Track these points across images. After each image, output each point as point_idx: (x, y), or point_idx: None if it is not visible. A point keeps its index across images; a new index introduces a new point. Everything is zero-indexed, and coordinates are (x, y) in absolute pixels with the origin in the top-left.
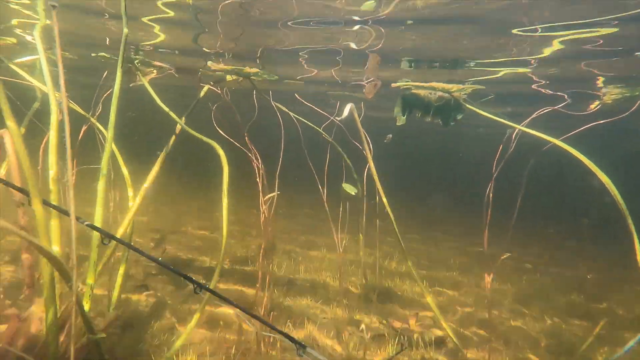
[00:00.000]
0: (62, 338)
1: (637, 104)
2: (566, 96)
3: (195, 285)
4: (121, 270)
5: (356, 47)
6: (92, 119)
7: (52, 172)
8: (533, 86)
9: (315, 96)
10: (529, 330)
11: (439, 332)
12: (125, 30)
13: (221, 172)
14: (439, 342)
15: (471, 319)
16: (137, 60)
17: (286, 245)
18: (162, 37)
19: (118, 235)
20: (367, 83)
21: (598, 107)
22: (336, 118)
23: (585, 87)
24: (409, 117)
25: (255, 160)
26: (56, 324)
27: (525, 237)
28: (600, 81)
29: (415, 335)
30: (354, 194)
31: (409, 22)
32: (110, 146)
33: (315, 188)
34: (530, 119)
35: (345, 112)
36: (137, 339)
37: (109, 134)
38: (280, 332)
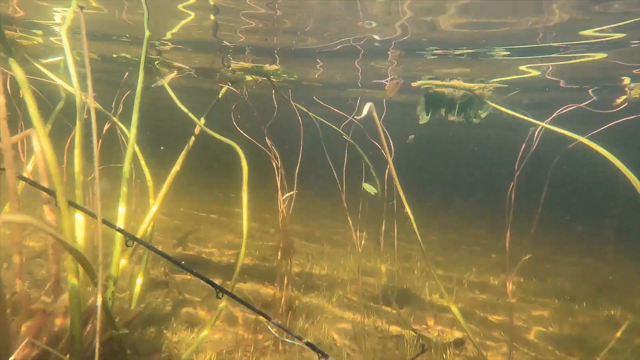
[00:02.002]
0: (85, 333)
1: None
2: (590, 92)
3: (217, 290)
4: (143, 268)
5: (379, 39)
6: (115, 119)
7: (77, 170)
8: (549, 77)
9: (335, 98)
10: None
11: (458, 334)
12: (147, 32)
13: (242, 171)
14: (458, 344)
15: (490, 321)
16: (157, 62)
17: (304, 244)
18: (190, 17)
19: (139, 234)
20: (388, 81)
21: (625, 103)
22: (355, 117)
23: (611, 82)
24: (432, 115)
25: (274, 160)
26: (80, 319)
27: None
28: (627, 80)
29: (435, 337)
30: (374, 193)
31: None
32: (132, 147)
33: (334, 188)
34: (554, 115)
35: (365, 112)
36: (158, 335)
37: (131, 133)
38: (302, 340)
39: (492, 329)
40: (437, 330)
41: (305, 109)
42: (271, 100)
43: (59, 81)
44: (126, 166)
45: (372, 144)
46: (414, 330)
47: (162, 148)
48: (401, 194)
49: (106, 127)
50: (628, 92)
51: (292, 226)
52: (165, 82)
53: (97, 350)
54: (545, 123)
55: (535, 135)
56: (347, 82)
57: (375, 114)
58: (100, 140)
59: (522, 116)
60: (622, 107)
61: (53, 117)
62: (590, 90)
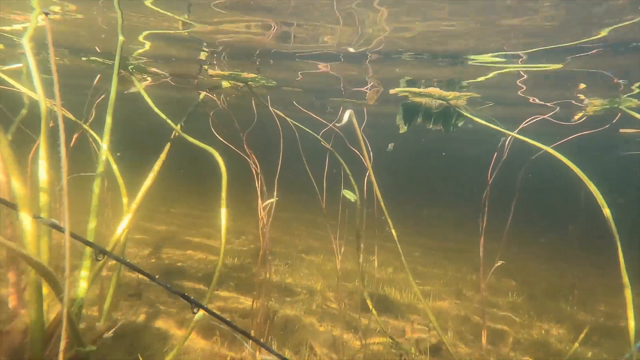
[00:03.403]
0: (47, 351)
1: (617, 117)
2: (549, 104)
3: (192, 305)
4: (113, 280)
5: (354, 51)
6: (85, 126)
7: (43, 180)
8: (519, 92)
9: (314, 104)
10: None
11: (434, 340)
12: (121, 37)
13: (219, 178)
14: (435, 350)
15: (465, 325)
16: (131, 67)
17: (284, 251)
18: (147, 46)
19: (111, 246)
20: (369, 89)
21: (583, 118)
22: (336, 125)
23: (569, 98)
24: (410, 125)
25: (254, 166)
26: (42, 337)
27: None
28: (582, 95)
29: (412, 344)
30: (353, 200)
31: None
32: (105, 154)
33: (314, 195)
34: (521, 126)
35: (345, 119)
36: (129, 349)
37: (104, 141)
38: (278, 355)
39: (467, 333)
40: (415, 338)
41: (283, 115)
42: (251, 108)
43: (21, 89)
44: (97, 181)
45: (353, 152)
46: (391, 338)
47: (118, 154)
48: (380, 201)
49: (76, 135)
50: (584, 107)
51: (272, 233)
52: (141, 87)
53: None
54: (515, 133)
55: (506, 144)
56: (327, 89)
57: (355, 121)
58: (68, 149)
59: (494, 126)
60: (580, 121)
61: (14, 126)
62: (550, 104)
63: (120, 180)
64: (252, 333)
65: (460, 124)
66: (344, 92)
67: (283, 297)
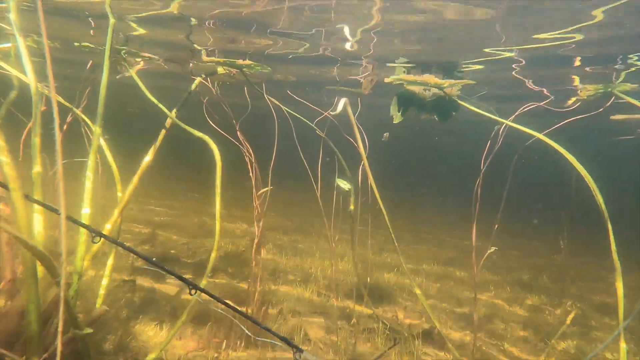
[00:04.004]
0: (44, 333)
1: (611, 100)
2: (546, 91)
3: (189, 286)
4: (109, 264)
5: (350, 49)
6: (77, 111)
7: (36, 166)
8: (514, 73)
9: (310, 92)
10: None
11: (426, 325)
12: (112, 19)
13: (214, 165)
14: (427, 334)
15: (457, 311)
16: (123, 51)
17: (279, 239)
18: (142, 31)
19: (106, 230)
20: (363, 78)
21: (577, 103)
22: (330, 113)
23: (564, 83)
24: (405, 114)
25: (248, 155)
26: (39, 319)
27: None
28: (576, 81)
29: (405, 328)
30: (347, 189)
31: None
32: (97, 140)
33: (309, 183)
34: (516, 114)
35: (339, 107)
36: (125, 333)
37: (97, 126)
38: (277, 335)
39: (458, 319)
40: (407, 322)
41: (279, 103)
42: (253, 96)
43: (12, 70)
44: (91, 157)
45: (349, 140)
46: (384, 322)
47: (106, 137)
48: (374, 189)
49: (68, 119)
50: (578, 93)
51: (266, 221)
52: (133, 72)
53: (59, 352)
54: (509, 121)
55: (500, 132)
56: (322, 80)
57: (349, 110)
58: (61, 134)
59: (489, 114)
60: (573, 107)
61: (4, 109)
62: (545, 90)
63: (113, 166)
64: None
65: (454, 113)
66: (338, 79)
67: (277, 284)
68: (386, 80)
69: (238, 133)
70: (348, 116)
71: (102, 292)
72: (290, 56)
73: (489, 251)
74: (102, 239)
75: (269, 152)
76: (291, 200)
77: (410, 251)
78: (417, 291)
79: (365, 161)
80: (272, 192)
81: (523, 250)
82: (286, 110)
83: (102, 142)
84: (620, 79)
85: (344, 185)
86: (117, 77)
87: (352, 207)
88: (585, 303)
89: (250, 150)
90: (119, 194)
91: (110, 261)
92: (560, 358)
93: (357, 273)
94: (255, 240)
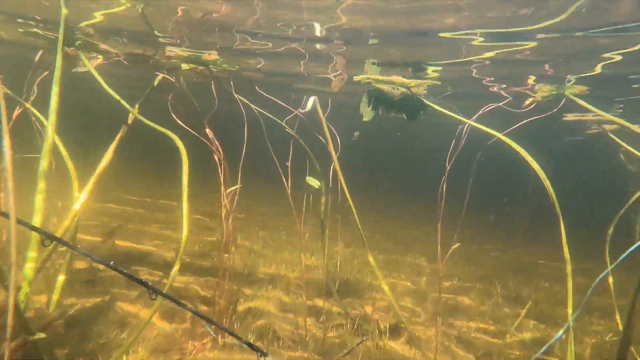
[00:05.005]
0: None
1: (562, 102)
2: (503, 92)
3: (150, 291)
4: (64, 266)
5: (320, 48)
6: (27, 105)
7: None
8: (474, 73)
9: (280, 89)
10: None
11: (393, 320)
12: (65, 10)
13: (180, 163)
14: (394, 329)
15: (424, 303)
16: (78, 42)
17: (247, 237)
18: (100, 18)
19: (61, 231)
20: (333, 77)
21: (533, 104)
22: (300, 111)
23: (520, 85)
24: (373, 113)
25: (217, 152)
26: None
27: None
28: (531, 80)
29: (373, 324)
30: (317, 187)
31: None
32: (52, 136)
33: (279, 182)
34: (477, 115)
35: (309, 105)
36: (82, 337)
37: (50, 122)
38: (240, 339)
39: (423, 313)
40: (375, 318)
41: (247, 101)
42: (215, 91)
43: None
44: (44, 157)
45: (318, 139)
46: (353, 318)
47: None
48: (344, 187)
49: (16, 112)
50: (534, 94)
51: (235, 219)
52: (90, 66)
53: (5, 358)
54: (472, 121)
55: (464, 131)
56: (291, 76)
57: (319, 108)
58: (8, 128)
59: (453, 114)
60: (530, 107)
61: None
62: (502, 91)
63: (69, 164)
64: (215, 319)
65: (422, 113)
66: (307, 76)
67: (246, 283)
68: (355, 78)
69: (207, 130)
70: (318, 115)
71: (56, 295)
72: (258, 51)
73: (453, 247)
74: (54, 242)
75: (238, 150)
76: (261, 199)
77: (379, 247)
78: (385, 287)
79: (335, 161)
80: (242, 190)
81: (485, 244)
82: (255, 109)
83: (57, 138)
84: (571, 82)
85: (314, 183)
86: (73, 70)
87: (322, 205)
88: (541, 293)
89: (220, 148)
90: (75, 194)
91: (65, 262)
92: (519, 347)
93: (327, 270)
94: (224, 239)
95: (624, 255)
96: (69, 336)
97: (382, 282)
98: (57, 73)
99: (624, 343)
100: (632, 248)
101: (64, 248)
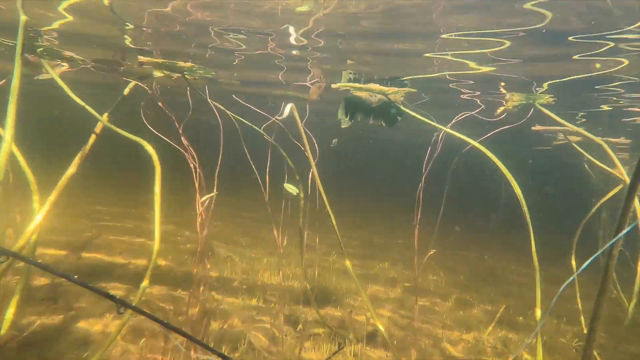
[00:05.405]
0: None
1: (530, 112)
2: (478, 101)
3: (118, 304)
4: (20, 285)
5: (297, 53)
6: None
7: None
8: (451, 84)
9: (257, 97)
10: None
11: (370, 328)
12: (23, 17)
13: (153, 171)
14: (372, 336)
15: (400, 309)
16: (40, 49)
17: (224, 246)
18: (69, 18)
19: (19, 245)
20: (311, 84)
21: (504, 113)
22: (277, 118)
23: (492, 93)
24: (352, 120)
25: (192, 160)
26: None
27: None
28: (502, 86)
29: (350, 332)
30: (295, 194)
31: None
32: (9, 147)
33: (257, 189)
34: (451, 123)
35: (286, 112)
36: (40, 358)
37: (7, 133)
38: (213, 351)
39: (400, 318)
40: (353, 325)
41: (224, 108)
42: (190, 98)
43: None
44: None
45: (297, 146)
46: (330, 327)
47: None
48: (323, 193)
49: None
50: (505, 103)
51: (211, 229)
52: (54, 73)
53: None
54: (447, 128)
55: (439, 138)
56: (268, 83)
57: (296, 115)
58: None
59: (429, 121)
60: (502, 116)
61: None
62: (477, 100)
63: (29, 175)
64: (188, 332)
65: (399, 119)
66: (284, 83)
67: (221, 292)
68: (333, 86)
69: (182, 138)
70: (295, 121)
71: (10, 314)
72: (236, 55)
73: (429, 253)
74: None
75: (216, 159)
76: (239, 207)
77: (357, 253)
78: (364, 296)
79: (313, 165)
80: (219, 199)
81: (460, 250)
82: (232, 115)
83: (15, 149)
84: (541, 90)
85: (292, 190)
86: (36, 77)
87: (300, 210)
88: (510, 299)
89: (195, 155)
90: (35, 205)
91: (21, 280)
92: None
93: (305, 277)
94: (199, 248)
95: (586, 263)
96: (24, 358)
97: (360, 289)
98: (15, 83)
99: (588, 349)
100: (593, 256)
101: (22, 264)
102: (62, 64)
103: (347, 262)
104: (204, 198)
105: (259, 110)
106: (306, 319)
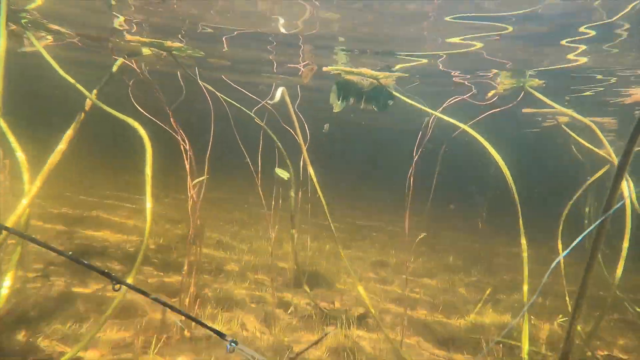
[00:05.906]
0: None
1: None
2: (467, 82)
3: (112, 281)
4: (14, 260)
5: (286, 32)
6: None
7: None
8: (440, 67)
9: (247, 81)
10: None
11: (361, 310)
12: None
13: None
14: (362, 318)
15: (389, 294)
16: (25, 20)
17: (215, 229)
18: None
19: (10, 222)
20: (303, 67)
21: (496, 97)
22: (268, 102)
23: (484, 76)
24: (343, 104)
25: (182, 143)
26: None
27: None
28: (493, 72)
29: (341, 314)
30: (286, 178)
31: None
32: None
33: (248, 173)
34: (442, 108)
35: (277, 96)
36: (35, 333)
37: None
38: (208, 327)
39: (389, 301)
40: (344, 308)
41: (214, 89)
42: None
43: None
44: None
45: (288, 130)
46: (321, 309)
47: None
48: (314, 178)
49: None
50: (497, 86)
51: (202, 211)
52: (39, 45)
53: None
54: (438, 112)
55: (430, 123)
56: (259, 66)
57: (287, 99)
58: None
59: (421, 106)
60: (494, 100)
61: None
62: (467, 82)
63: (19, 152)
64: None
65: (391, 103)
66: (275, 69)
67: (213, 275)
68: (325, 69)
69: (172, 120)
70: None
71: (4, 291)
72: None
73: (420, 237)
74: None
75: (207, 143)
76: (231, 191)
77: (349, 238)
78: (354, 277)
79: (304, 150)
80: (211, 183)
81: (450, 233)
82: (221, 97)
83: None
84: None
85: (283, 174)
86: (20, 50)
87: (292, 195)
88: (496, 279)
89: (185, 138)
90: (27, 186)
91: (15, 256)
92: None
93: (297, 261)
94: (190, 231)
95: (571, 246)
96: (19, 333)
97: (351, 272)
98: (1, 53)
99: (569, 339)
100: (579, 238)
101: (14, 241)
102: (47, 36)
103: (339, 246)
104: (195, 181)
105: (249, 94)
106: (298, 302)
